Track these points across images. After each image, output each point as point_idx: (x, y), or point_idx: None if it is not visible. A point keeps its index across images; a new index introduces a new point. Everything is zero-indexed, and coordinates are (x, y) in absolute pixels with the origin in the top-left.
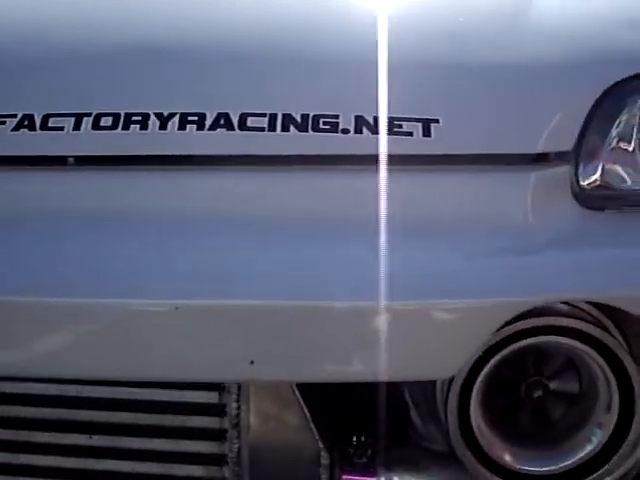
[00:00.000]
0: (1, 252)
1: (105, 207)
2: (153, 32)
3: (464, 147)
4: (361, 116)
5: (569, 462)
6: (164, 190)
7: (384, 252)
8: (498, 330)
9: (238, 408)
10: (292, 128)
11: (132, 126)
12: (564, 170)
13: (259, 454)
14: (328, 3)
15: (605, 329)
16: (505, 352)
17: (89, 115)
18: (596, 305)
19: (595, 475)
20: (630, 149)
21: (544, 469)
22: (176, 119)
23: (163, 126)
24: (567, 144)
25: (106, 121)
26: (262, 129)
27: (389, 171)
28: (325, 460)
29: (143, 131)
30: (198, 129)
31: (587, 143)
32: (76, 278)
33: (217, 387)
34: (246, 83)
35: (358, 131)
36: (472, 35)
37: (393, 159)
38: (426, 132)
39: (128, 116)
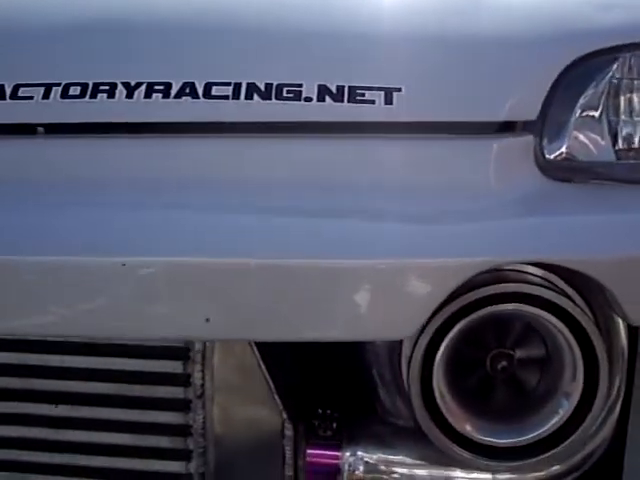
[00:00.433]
0: None
1: (74, 173)
2: (120, 3)
3: (427, 115)
4: (324, 85)
5: (535, 434)
6: (130, 156)
7: (341, 214)
8: (459, 297)
9: (202, 378)
10: (256, 96)
11: (100, 95)
12: (528, 140)
13: (223, 425)
14: None
15: (569, 297)
16: (467, 321)
17: (58, 85)
18: (561, 275)
19: (562, 446)
20: (596, 122)
21: (510, 441)
22: (143, 88)
23: (130, 95)
24: (531, 114)
25: (74, 90)
26: (226, 97)
27: (351, 138)
28: (289, 432)
29: (110, 99)
30: (164, 97)
31: (551, 115)
32: (36, 239)
33: (182, 357)
34: (212, 53)
35: (321, 99)
36: (436, 5)
37: (355, 126)
38: (388, 100)
39: (96, 85)
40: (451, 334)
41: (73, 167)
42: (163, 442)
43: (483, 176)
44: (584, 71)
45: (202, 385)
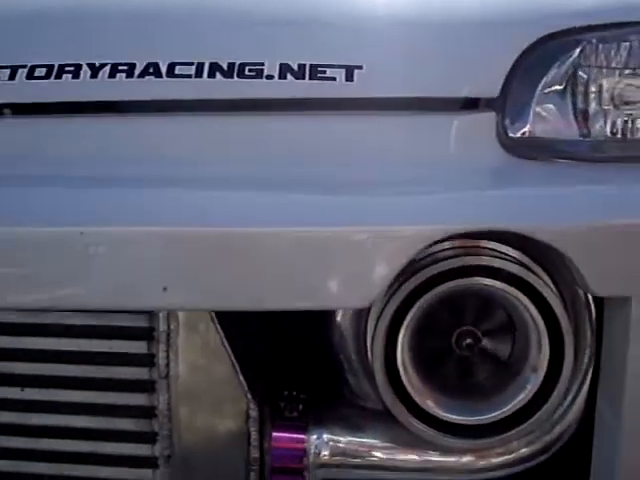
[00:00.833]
0: None
1: (40, 151)
2: None
3: (388, 91)
4: (286, 63)
5: (502, 411)
6: (94, 134)
7: (302, 185)
8: (420, 271)
9: (167, 359)
10: (218, 75)
11: (64, 75)
12: (490, 117)
13: (188, 406)
14: None
15: (533, 272)
16: (431, 296)
17: (24, 67)
18: (526, 252)
19: (529, 423)
20: (559, 102)
21: (477, 418)
22: (107, 68)
23: (94, 75)
24: (493, 92)
25: (40, 72)
26: (189, 76)
27: (313, 115)
28: (254, 412)
29: (75, 80)
30: (127, 77)
31: (514, 93)
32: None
33: (146, 337)
34: (175, 34)
35: (282, 77)
36: None
37: (317, 103)
38: (349, 77)
39: (61, 67)
40: (415, 308)
41: (39, 146)
42: (128, 424)
43: (444, 152)
44: (547, 51)
45: (167, 365)
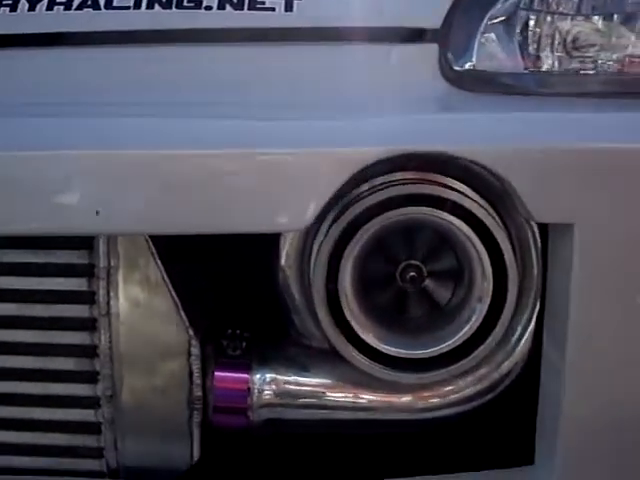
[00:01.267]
0: None
1: None
2: None
3: (328, 21)
4: None
5: (447, 344)
6: (31, 65)
7: (240, 110)
8: (360, 200)
9: (108, 296)
10: (157, 6)
11: (2, 9)
12: (433, 49)
13: (130, 344)
14: None
15: (475, 202)
16: (371, 226)
17: None
18: (471, 185)
19: (473, 355)
20: (503, 34)
21: (422, 352)
22: (45, 1)
23: (32, 7)
24: (435, 23)
25: None
26: (127, 7)
27: (252, 45)
28: (196, 349)
29: (13, 13)
30: (65, 9)
31: (457, 25)
32: None
33: (86, 273)
34: None
35: (221, 7)
36: None
37: (256, 33)
38: (289, 7)
39: None
40: (356, 239)
41: None
42: (68, 364)
43: (386, 82)
44: None
45: (108, 303)
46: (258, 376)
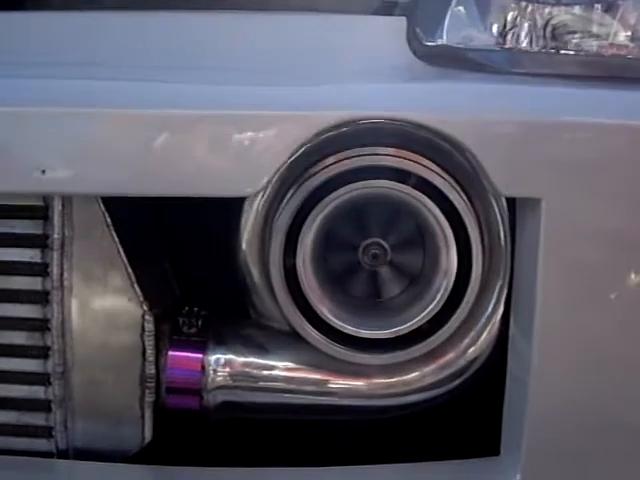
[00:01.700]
0: None
1: None
2: None
3: None
4: None
5: (410, 324)
6: None
7: (194, 72)
8: (320, 171)
9: (61, 267)
10: None
11: None
12: (402, 22)
13: (83, 319)
14: None
15: (440, 176)
16: (331, 200)
17: None
18: (435, 161)
19: (437, 335)
20: (473, 10)
21: (384, 332)
22: None
23: None
24: None
25: None
26: None
27: (216, 11)
28: (150, 325)
29: None
30: None
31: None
32: None
33: (40, 244)
34: None
35: None
36: None
37: None
38: None
39: None
40: (314, 213)
41: None
42: (19, 338)
43: (352, 53)
44: None
45: (61, 275)
46: (214, 356)
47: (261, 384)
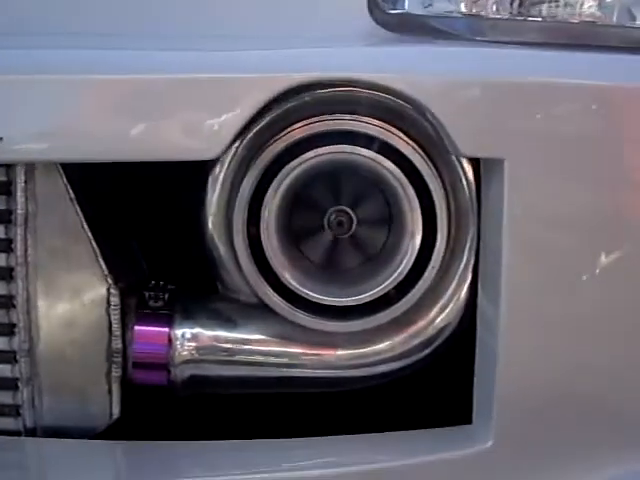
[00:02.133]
0: None
1: None
2: None
3: None
4: None
5: (375, 291)
6: None
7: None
8: (282, 136)
9: (25, 243)
10: None
11: None
12: None
13: (48, 295)
14: None
15: (402, 140)
16: (294, 165)
17: None
18: (400, 128)
19: (403, 301)
20: None
21: (350, 299)
22: None
23: None
24: None
25: None
26: None
27: None
28: (115, 299)
29: None
30: None
31: None
32: None
33: (3, 220)
34: None
35: None
36: None
37: None
38: None
39: None
40: (278, 179)
41: None
42: None
43: (312, 19)
44: None
45: (25, 251)
46: (180, 330)
47: (229, 357)
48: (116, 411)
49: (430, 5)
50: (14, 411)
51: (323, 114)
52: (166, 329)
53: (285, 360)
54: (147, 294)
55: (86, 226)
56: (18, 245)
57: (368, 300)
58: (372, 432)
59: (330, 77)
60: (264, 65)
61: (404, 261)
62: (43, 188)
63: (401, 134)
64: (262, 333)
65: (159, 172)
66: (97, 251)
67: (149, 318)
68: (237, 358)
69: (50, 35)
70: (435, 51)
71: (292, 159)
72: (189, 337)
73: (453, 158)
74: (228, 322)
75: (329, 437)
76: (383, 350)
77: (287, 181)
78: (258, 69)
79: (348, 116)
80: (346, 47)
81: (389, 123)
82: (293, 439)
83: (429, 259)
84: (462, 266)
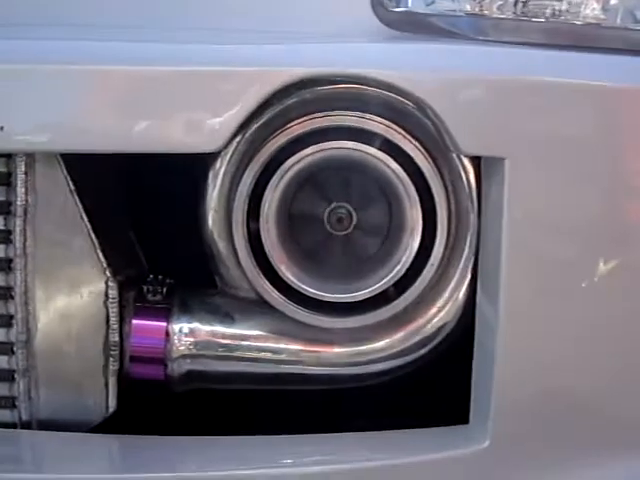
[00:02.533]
0: None
1: None
2: None
3: None
4: None
5: (374, 287)
6: None
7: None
8: (281, 133)
9: (24, 235)
10: None
11: None
12: None
13: (47, 286)
14: None
15: (403, 136)
16: (295, 160)
17: None
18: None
19: (402, 298)
20: None
21: (347, 295)
22: None
23: None
24: None
25: None
26: None
27: None
28: (113, 292)
29: None
30: None
31: None
32: None
33: (2, 211)
34: None
35: None
36: None
37: None
38: None
39: None
40: (281, 171)
41: None
42: None
43: (316, 17)
44: None
45: (24, 242)
46: (178, 324)
47: (226, 353)
48: (112, 404)
49: (433, 3)
50: (10, 403)
51: (324, 110)
52: (164, 323)
53: (283, 357)
54: (145, 288)
55: (85, 218)
56: (17, 236)
57: (366, 297)
58: (369, 430)
59: (331, 72)
60: (266, 59)
61: (403, 258)
62: (43, 180)
63: (403, 131)
64: (260, 329)
65: (159, 166)
66: (96, 244)
67: (147, 312)
68: (234, 354)
69: (51, 26)
70: (437, 49)
71: (293, 154)
72: (187, 332)
73: (454, 157)
74: (226, 317)
75: (326, 434)
76: (381, 348)
77: (287, 176)
78: (260, 63)
79: (350, 112)
80: (348, 43)
81: (391, 120)
82: (290, 436)
83: (428, 257)
84: (461, 265)
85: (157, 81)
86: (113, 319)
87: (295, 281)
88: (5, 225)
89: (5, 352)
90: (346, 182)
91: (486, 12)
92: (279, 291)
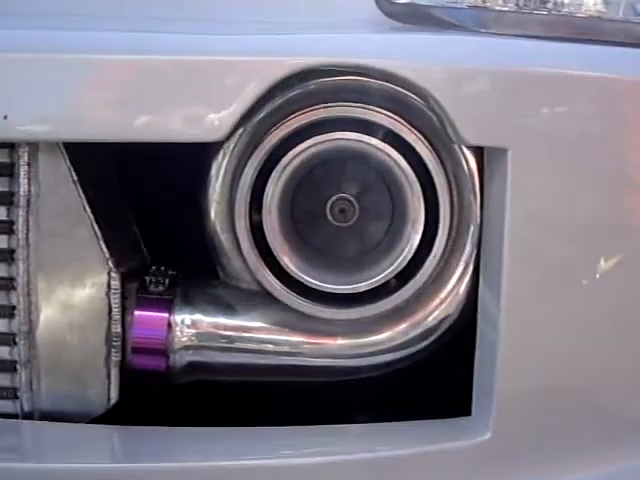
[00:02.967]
0: None
1: None
2: None
3: None
4: None
5: (376, 278)
6: None
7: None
8: (284, 123)
9: (27, 225)
10: None
11: None
12: None
13: (49, 277)
14: None
15: (406, 127)
16: (298, 151)
17: None
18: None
19: (404, 289)
20: None
21: (349, 286)
22: None
23: None
24: None
25: None
26: None
27: None
28: (115, 283)
29: None
30: None
31: None
32: None
33: (5, 202)
34: None
35: None
36: None
37: None
38: None
39: None
40: (284, 162)
41: None
42: None
43: (319, 9)
44: None
45: (27, 233)
46: (180, 316)
47: (228, 344)
48: (114, 395)
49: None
50: (12, 394)
51: (327, 101)
52: (166, 314)
53: (285, 348)
54: (148, 279)
55: (88, 209)
56: (20, 227)
57: (368, 288)
58: (372, 422)
59: (334, 63)
60: (268, 50)
61: (405, 250)
62: (46, 170)
63: (405, 123)
64: (262, 321)
65: (162, 157)
66: (99, 235)
67: (149, 303)
68: (237, 345)
69: (54, 16)
70: (440, 39)
71: (295, 146)
72: (189, 323)
73: (457, 148)
74: (228, 309)
75: (328, 426)
76: (383, 340)
77: (290, 168)
78: (262, 53)
79: (352, 104)
80: (351, 34)
81: (393, 112)
82: (292, 427)
83: (431, 249)
84: (464, 257)
85: (160, 71)
86: (115, 310)
87: (297, 272)
88: (8, 216)
89: (7, 343)
90: (349, 174)
91: (488, 4)
92: (281, 282)
